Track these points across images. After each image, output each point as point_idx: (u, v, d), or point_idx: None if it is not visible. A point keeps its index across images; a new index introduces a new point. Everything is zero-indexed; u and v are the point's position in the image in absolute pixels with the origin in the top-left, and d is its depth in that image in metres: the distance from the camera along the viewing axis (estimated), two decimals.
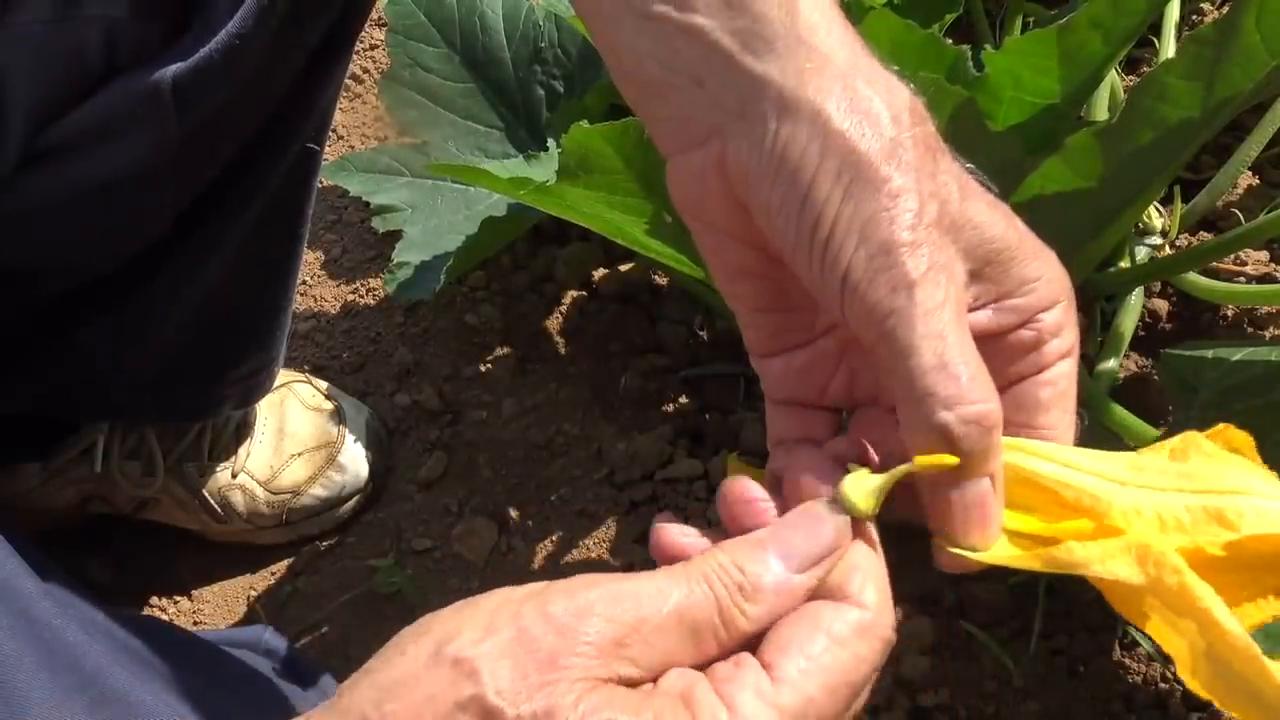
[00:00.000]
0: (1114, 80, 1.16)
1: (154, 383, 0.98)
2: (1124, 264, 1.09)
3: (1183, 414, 0.84)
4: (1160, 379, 0.88)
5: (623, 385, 1.16)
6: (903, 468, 0.44)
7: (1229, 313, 1.11)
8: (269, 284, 0.97)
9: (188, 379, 1.00)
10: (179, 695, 0.67)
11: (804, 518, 0.44)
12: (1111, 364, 1.03)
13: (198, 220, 0.84)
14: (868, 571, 0.43)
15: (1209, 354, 0.86)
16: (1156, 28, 1.20)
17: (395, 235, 1.18)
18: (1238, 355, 0.85)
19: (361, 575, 1.08)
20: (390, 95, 1.26)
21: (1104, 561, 0.42)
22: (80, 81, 0.70)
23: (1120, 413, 0.95)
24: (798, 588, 0.42)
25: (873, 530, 0.45)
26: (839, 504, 0.44)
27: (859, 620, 0.42)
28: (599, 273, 1.26)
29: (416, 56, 1.24)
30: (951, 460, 0.43)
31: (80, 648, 0.63)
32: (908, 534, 1.10)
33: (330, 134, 1.49)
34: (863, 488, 0.44)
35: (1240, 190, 1.19)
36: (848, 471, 0.45)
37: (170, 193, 0.79)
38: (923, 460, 0.43)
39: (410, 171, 1.23)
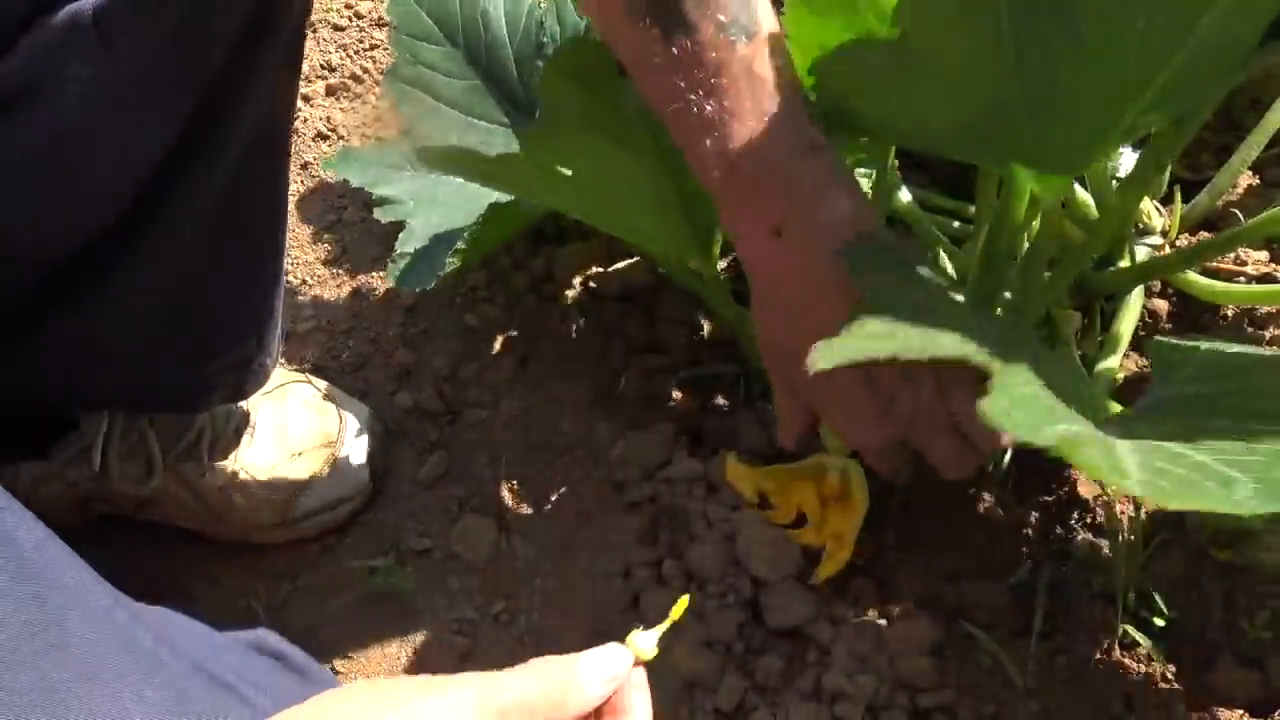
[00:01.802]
0: None
1: (136, 369, 0.98)
2: (1123, 264, 1.09)
3: (1162, 389, 0.82)
4: (1149, 360, 0.88)
5: (623, 385, 1.16)
6: (668, 621, 0.64)
7: (1229, 313, 1.11)
8: (245, 267, 0.97)
9: (171, 366, 0.99)
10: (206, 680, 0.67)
11: (610, 651, 0.60)
12: (1111, 363, 1.03)
13: (157, 196, 0.84)
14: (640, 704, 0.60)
15: (1202, 344, 0.86)
16: None
17: (395, 234, 1.19)
18: (1233, 349, 0.85)
19: (361, 575, 1.08)
20: (394, 92, 1.26)
21: None
22: (5, 25, 0.70)
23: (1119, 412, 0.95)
24: (595, 695, 0.58)
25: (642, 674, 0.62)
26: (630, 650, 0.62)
27: None
28: (599, 272, 1.26)
29: (419, 54, 1.24)
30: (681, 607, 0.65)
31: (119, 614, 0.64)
32: (909, 538, 1.10)
33: (330, 134, 1.49)
34: (643, 641, 0.62)
35: (1240, 190, 1.19)
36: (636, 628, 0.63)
37: (120, 154, 0.80)
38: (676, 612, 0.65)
39: (413, 166, 1.24)
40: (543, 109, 0.91)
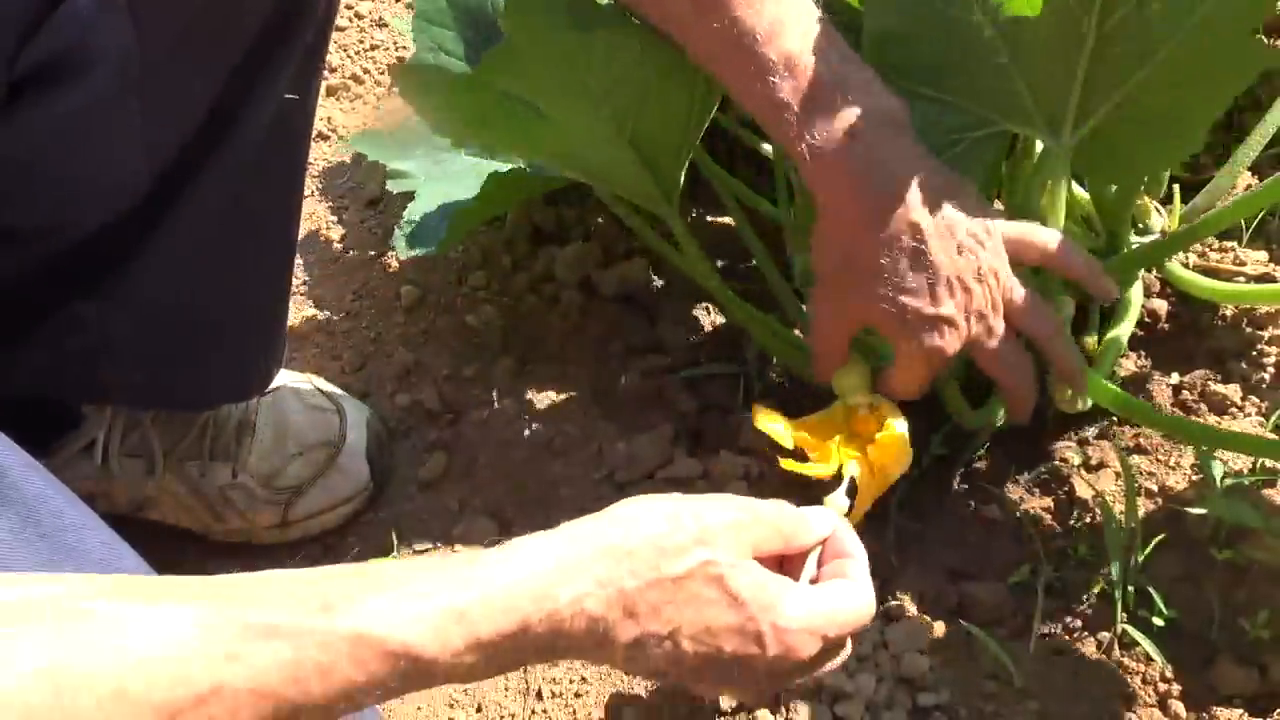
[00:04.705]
0: None
1: (145, 363, 0.99)
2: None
3: None
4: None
5: (623, 385, 1.16)
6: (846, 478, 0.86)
7: (1228, 313, 1.11)
8: (254, 265, 0.98)
9: (177, 361, 1.00)
10: None
11: (818, 510, 0.76)
12: (1110, 357, 1.03)
13: (174, 185, 0.86)
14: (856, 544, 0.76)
15: None
16: None
17: (393, 230, 1.21)
18: None
19: None
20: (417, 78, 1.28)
21: None
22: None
23: None
24: (819, 535, 0.74)
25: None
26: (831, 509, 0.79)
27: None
28: (599, 273, 1.26)
29: (439, 41, 1.25)
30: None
31: None
32: (907, 538, 1.10)
33: (330, 134, 1.49)
34: (838, 499, 0.80)
35: (1240, 190, 1.19)
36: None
37: (144, 133, 0.81)
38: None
39: (426, 145, 1.27)
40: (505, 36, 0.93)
